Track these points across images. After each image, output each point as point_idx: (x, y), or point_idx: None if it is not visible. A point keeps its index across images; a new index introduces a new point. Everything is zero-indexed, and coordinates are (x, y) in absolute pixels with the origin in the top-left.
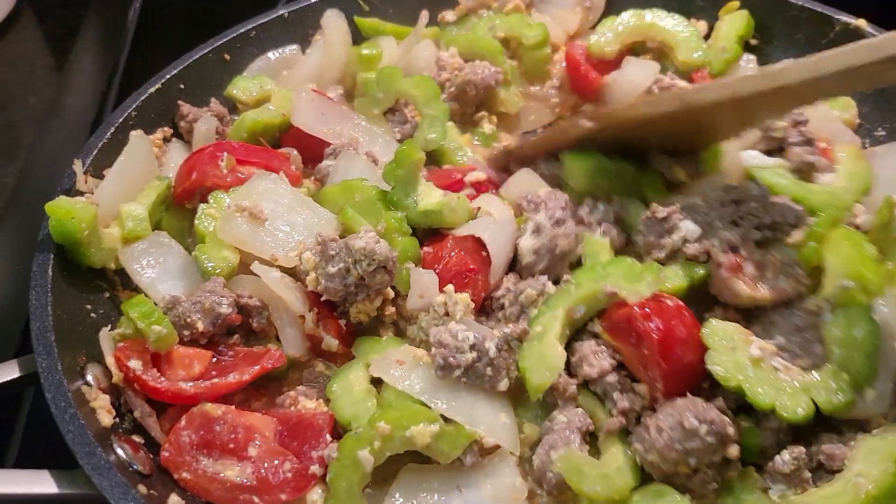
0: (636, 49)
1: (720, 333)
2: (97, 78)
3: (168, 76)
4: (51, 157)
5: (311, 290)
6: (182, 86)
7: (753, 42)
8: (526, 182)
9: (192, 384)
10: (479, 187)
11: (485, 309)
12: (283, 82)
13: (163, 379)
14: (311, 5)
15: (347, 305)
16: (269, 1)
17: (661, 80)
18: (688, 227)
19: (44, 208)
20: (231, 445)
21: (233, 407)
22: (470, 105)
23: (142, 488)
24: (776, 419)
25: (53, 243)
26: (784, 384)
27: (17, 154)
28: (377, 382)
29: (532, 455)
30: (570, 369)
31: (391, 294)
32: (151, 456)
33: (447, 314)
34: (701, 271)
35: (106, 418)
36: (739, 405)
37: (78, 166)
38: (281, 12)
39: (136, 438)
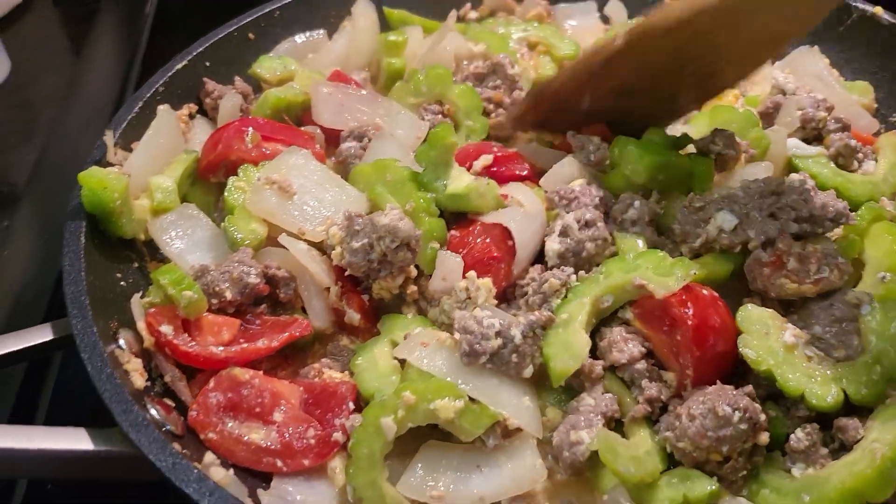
0: None
1: (755, 318)
2: (117, 58)
3: (194, 53)
4: (72, 136)
5: (335, 264)
6: (207, 63)
7: None
8: (566, 173)
9: (222, 348)
10: (515, 177)
11: (506, 296)
12: (308, 65)
13: (193, 343)
14: None
15: (370, 281)
16: None
17: None
18: (725, 218)
19: (77, 178)
20: (257, 409)
21: (260, 372)
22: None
23: (176, 446)
24: (805, 407)
25: (84, 212)
26: (815, 372)
27: (36, 132)
28: (401, 361)
29: (552, 436)
30: (594, 354)
31: (414, 273)
32: (182, 418)
33: (469, 298)
34: (733, 264)
35: (139, 380)
36: (769, 393)
37: (109, 137)
38: None
39: (168, 401)
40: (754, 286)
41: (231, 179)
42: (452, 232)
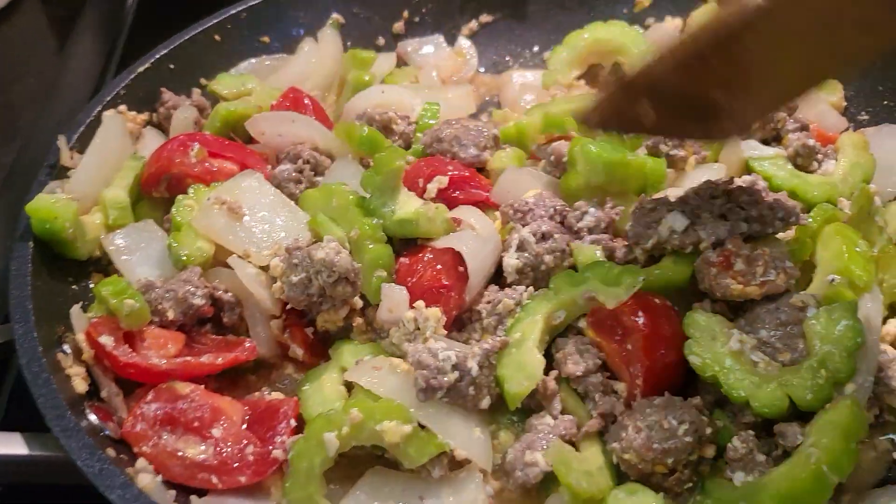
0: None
1: (701, 324)
2: (96, 59)
3: (157, 56)
4: (48, 138)
5: (277, 297)
6: (172, 66)
7: None
8: (518, 182)
9: (165, 361)
10: (472, 200)
11: (460, 321)
12: (268, 83)
13: (134, 354)
14: None
15: (313, 314)
16: None
17: None
18: (676, 219)
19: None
20: (196, 424)
21: (202, 387)
22: None
23: (111, 451)
24: (751, 413)
25: None
26: (761, 378)
27: (15, 134)
28: (348, 387)
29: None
30: (550, 366)
31: (359, 304)
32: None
33: (418, 329)
34: (684, 270)
35: (81, 385)
36: (716, 399)
37: (62, 142)
38: None
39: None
40: (702, 286)
41: (179, 197)
42: (402, 259)
